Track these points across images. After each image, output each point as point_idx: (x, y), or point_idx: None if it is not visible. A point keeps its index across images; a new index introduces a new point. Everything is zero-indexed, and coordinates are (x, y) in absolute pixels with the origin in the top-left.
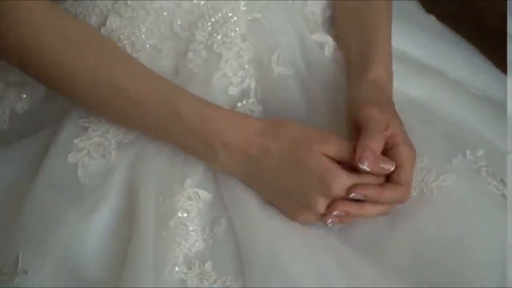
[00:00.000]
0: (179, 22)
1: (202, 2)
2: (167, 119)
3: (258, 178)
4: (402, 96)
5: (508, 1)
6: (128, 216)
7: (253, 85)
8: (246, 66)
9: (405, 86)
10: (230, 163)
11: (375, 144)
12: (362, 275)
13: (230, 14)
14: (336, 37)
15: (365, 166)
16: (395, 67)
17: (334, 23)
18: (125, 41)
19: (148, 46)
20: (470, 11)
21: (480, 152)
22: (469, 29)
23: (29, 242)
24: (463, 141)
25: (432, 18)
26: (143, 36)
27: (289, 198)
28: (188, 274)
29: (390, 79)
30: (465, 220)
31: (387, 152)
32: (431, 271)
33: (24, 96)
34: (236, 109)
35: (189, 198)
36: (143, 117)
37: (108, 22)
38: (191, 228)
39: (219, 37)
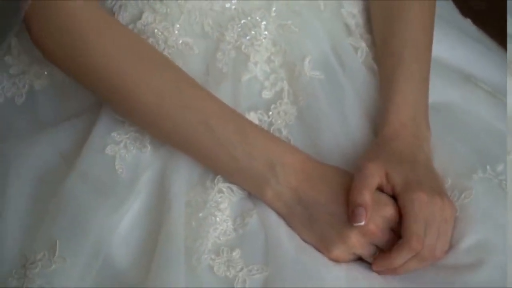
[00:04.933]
0: (210, 22)
1: (234, 7)
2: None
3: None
4: (433, 103)
5: (508, 1)
6: (160, 209)
7: (286, 87)
8: (278, 70)
9: (438, 92)
10: (281, 188)
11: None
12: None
13: (258, 19)
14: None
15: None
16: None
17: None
18: (158, 36)
19: (180, 42)
20: (497, 10)
21: (500, 167)
22: (495, 29)
23: (64, 231)
24: (490, 153)
25: (468, 22)
26: (176, 32)
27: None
28: (216, 261)
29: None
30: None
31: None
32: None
33: (46, 73)
34: (270, 112)
35: (220, 191)
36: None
37: (143, 16)
38: (219, 218)
39: (247, 37)
